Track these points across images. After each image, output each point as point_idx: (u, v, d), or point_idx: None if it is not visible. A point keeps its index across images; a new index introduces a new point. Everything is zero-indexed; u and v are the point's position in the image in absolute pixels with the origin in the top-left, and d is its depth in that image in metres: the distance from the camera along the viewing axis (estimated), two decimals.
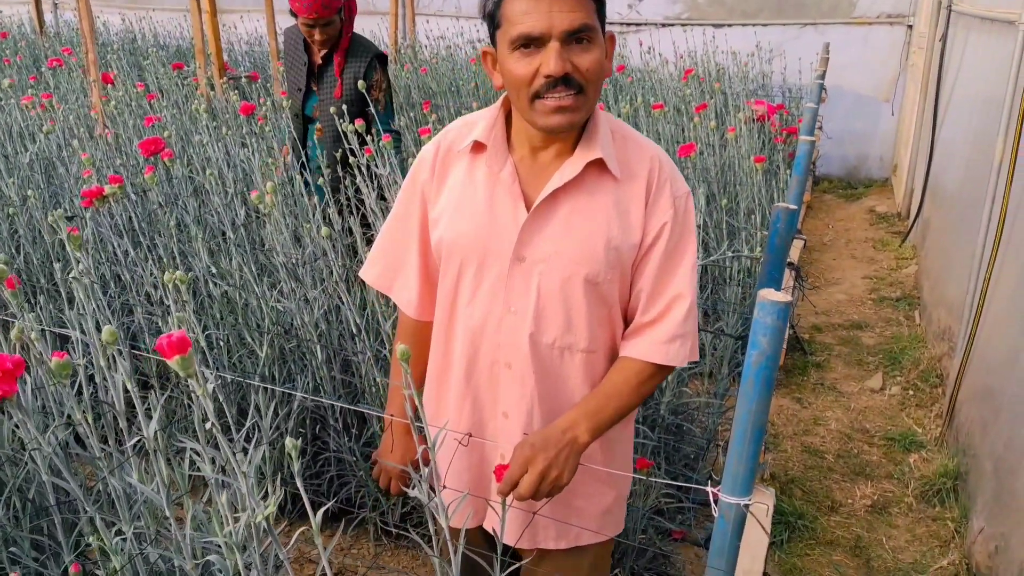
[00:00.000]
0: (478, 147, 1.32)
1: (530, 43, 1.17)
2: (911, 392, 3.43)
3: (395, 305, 1.33)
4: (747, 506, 1.16)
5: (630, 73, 6.04)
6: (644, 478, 1.88)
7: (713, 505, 1.18)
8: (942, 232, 4.20)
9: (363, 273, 1.49)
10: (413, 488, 1.50)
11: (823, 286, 4.72)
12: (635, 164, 1.29)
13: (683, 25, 7.10)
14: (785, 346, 3.49)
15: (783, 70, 6.59)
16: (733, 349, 2.66)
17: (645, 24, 7.30)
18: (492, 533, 1.42)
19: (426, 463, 1.50)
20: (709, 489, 1.18)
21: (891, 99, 6.73)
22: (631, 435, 1.51)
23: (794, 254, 3.86)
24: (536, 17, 1.14)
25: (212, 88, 4.81)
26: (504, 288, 1.30)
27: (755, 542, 1.61)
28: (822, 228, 5.79)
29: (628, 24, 7.33)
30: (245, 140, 3.49)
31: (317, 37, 2.85)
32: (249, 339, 2.40)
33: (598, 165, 1.26)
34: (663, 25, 7.22)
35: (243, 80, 5.35)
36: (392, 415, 1.52)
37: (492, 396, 1.36)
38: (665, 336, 1.31)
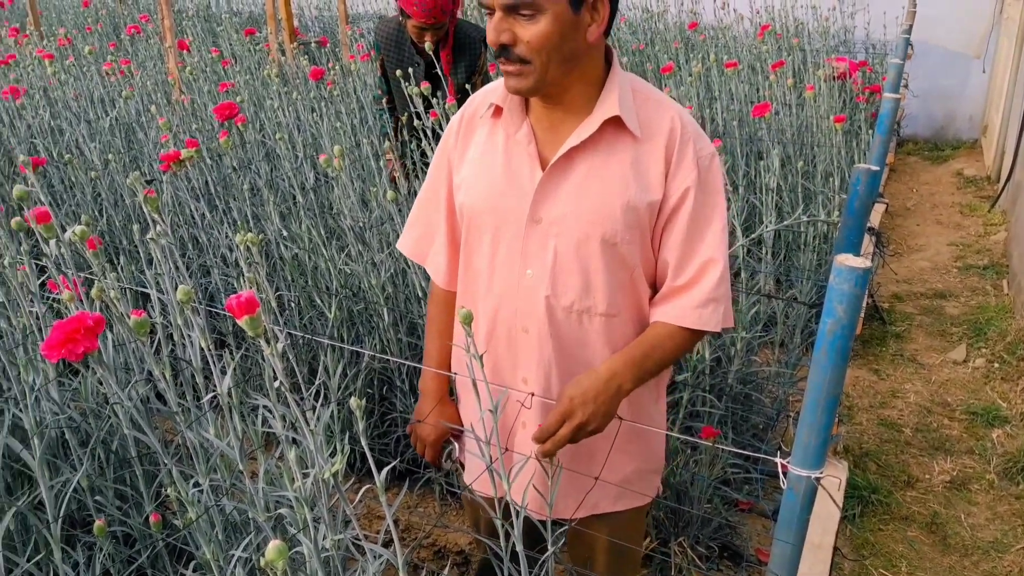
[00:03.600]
0: (498, 111, 1.32)
1: (487, 8, 1.18)
2: (996, 365, 3.27)
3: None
4: (818, 479, 1.13)
5: (703, 31, 5.84)
6: (710, 445, 1.85)
7: (782, 477, 1.15)
8: None
9: (400, 244, 1.51)
10: (447, 460, 1.52)
11: (905, 253, 4.52)
12: (655, 123, 1.26)
13: None
14: (863, 315, 3.36)
15: (866, 24, 6.25)
16: (806, 318, 2.58)
17: None
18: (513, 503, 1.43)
19: (455, 436, 1.51)
20: (778, 460, 1.15)
21: (982, 55, 6.32)
22: (662, 409, 1.49)
23: (875, 219, 3.71)
24: None
25: (283, 53, 4.87)
26: (521, 251, 1.30)
27: (826, 516, 1.57)
28: (905, 192, 5.53)
29: None
30: (314, 105, 3.52)
31: (427, 39, 2.78)
32: (318, 301, 2.45)
33: (616, 124, 1.24)
34: None
35: (313, 45, 5.40)
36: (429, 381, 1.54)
37: (511, 362, 1.37)
38: (698, 300, 1.29)
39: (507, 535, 1.27)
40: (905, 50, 3.62)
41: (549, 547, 1.26)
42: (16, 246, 1.58)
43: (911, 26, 4.48)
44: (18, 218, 1.61)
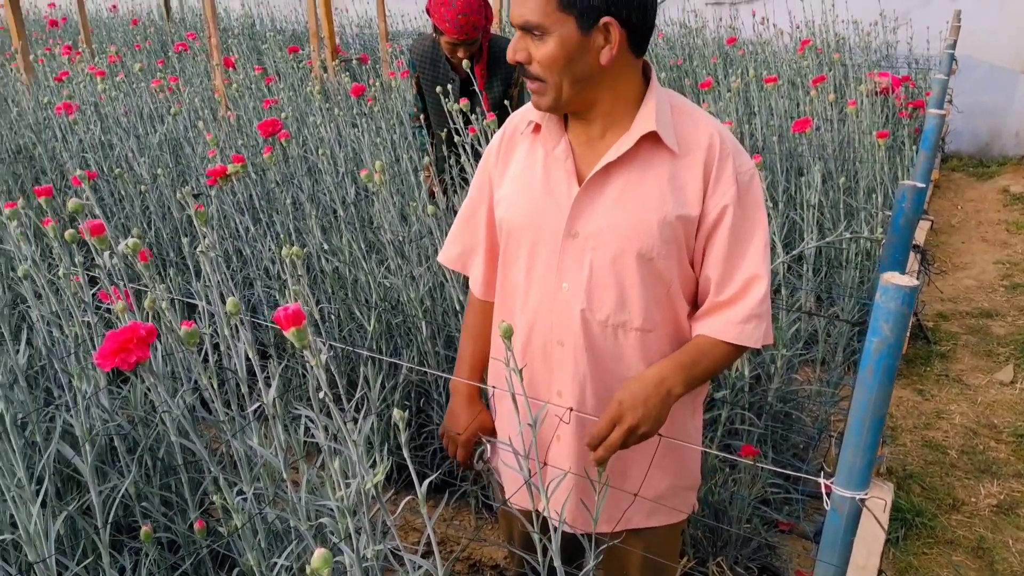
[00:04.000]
0: (537, 128, 1.34)
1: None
2: None
3: (620, 323, 1.37)
4: (863, 500, 1.11)
5: (741, 46, 5.82)
6: (750, 464, 1.83)
7: (825, 498, 1.13)
8: None
9: (441, 256, 1.55)
10: (479, 462, 1.52)
11: (950, 271, 4.43)
12: (693, 139, 1.26)
13: None
14: (907, 334, 3.30)
15: (909, 39, 6.18)
16: (849, 336, 2.54)
17: None
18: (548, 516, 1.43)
19: (489, 433, 1.50)
20: (821, 481, 1.14)
21: None
22: (699, 425, 1.48)
23: (920, 236, 3.63)
24: (511, 5, 1.23)
25: (325, 70, 4.96)
26: (557, 265, 1.31)
27: (871, 538, 1.54)
28: (950, 208, 5.42)
29: None
30: (355, 120, 3.58)
31: (460, 54, 2.82)
32: (358, 314, 2.49)
33: (653, 139, 1.25)
34: None
35: (354, 62, 5.50)
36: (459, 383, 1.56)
37: (547, 375, 1.38)
38: (741, 316, 1.28)
39: (544, 550, 1.27)
40: (950, 65, 3.57)
41: (590, 560, 1.25)
42: (69, 257, 1.63)
43: (955, 41, 4.41)
44: (71, 230, 1.67)
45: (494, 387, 1.51)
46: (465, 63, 2.58)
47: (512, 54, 1.23)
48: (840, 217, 3.02)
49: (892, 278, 1.01)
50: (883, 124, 4.08)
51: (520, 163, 1.37)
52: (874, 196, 3.23)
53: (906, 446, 2.87)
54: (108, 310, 1.71)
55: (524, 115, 1.38)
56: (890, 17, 6.26)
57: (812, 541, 2.20)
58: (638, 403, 1.22)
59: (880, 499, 1.13)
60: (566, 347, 1.33)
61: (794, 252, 2.04)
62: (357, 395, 1.41)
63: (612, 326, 1.31)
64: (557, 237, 1.30)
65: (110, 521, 1.42)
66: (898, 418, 3.03)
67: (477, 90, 2.63)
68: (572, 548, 1.44)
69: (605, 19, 1.17)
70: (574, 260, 1.30)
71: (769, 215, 2.19)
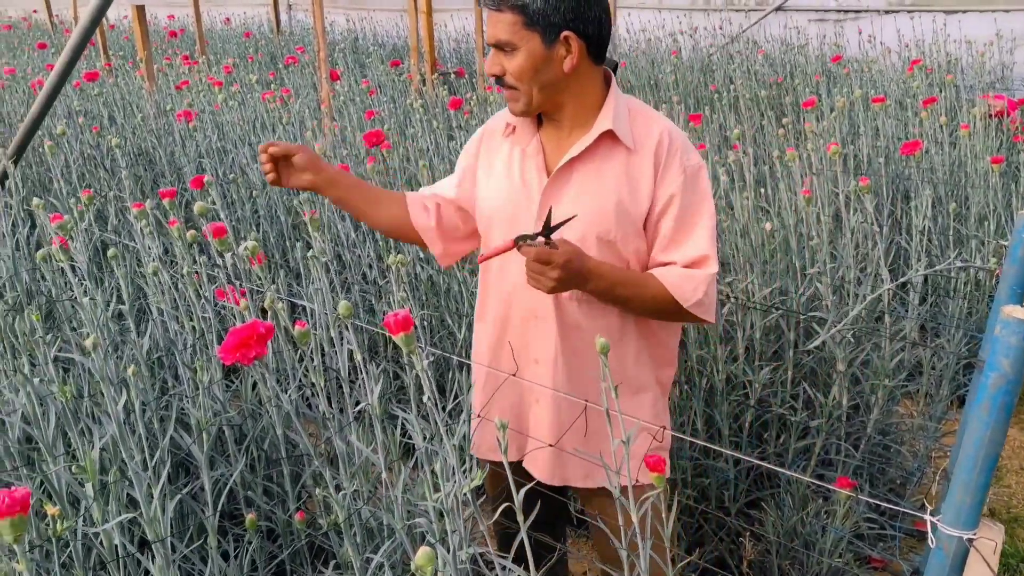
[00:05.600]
0: (514, 130, 1.53)
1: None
2: None
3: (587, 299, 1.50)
4: (971, 540, 1.07)
5: (846, 64, 5.65)
6: (847, 496, 1.78)
7: (930, 535, 1.10)
8: None
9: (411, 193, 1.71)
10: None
11: None
12: (644, 136, 1.44)
13: (909, 12, 6.51)
14: None
15: None
16: (955, 369, 2.43)
17: (865, 11, 6.78)
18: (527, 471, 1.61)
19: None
20: (927, 518, 1.10)
21: None
22: (662, 384, 1.59)
23: None
24: (487, 26, 1.44)
25: (424, 83, 5.10)
26: None
27: None
28: None
29: (845, 11, 6.84)
30: (453, 133, 3.67)
31: None
32: (449, 321, 2.54)
33: (611, 137, 1.43)
34: (886, 12, 6.67)
35: (451, 76, 5.63)
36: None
37: (524, 344, 1.55)
38: (686, 276, 1.42)
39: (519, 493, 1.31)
40: None
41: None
42: (191, 258, 1.74)
43: None
44: (193, 231, 1.78)
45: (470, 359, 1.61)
46: None
47: (488, 68, 1.43)
48: (949, 244, 2.89)
49: (1013, 312, 0.98)
50: (997, 149, 3.88)
51: (502, 162, 1.55)
52: (986, 224, 3.08)
53: (1011, 488, 2.71)
54: (223, 307, 1.81)
55: (501, 118, 1.57)
56: (1007, 38, 5.96)
57: None
58: (563, 278, 1.34)
59: (990, 540, 1.08)
60: (540, 320, 1.51)
61: (902, 279, 1.97)
62: (451, 403, 1.46)
63: (578, 301, 1.48)
64: (530, 223, 1.46)
65: (219, 507, 1.50)
66: (1003, 458, 2.87)
67: None
68: (556, 505, 1.68)
69: (565, 33, 1.36)
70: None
71: (874, 239, 2.12)
